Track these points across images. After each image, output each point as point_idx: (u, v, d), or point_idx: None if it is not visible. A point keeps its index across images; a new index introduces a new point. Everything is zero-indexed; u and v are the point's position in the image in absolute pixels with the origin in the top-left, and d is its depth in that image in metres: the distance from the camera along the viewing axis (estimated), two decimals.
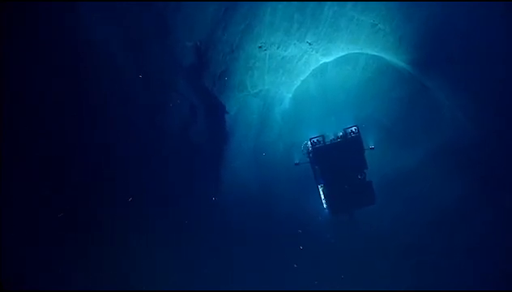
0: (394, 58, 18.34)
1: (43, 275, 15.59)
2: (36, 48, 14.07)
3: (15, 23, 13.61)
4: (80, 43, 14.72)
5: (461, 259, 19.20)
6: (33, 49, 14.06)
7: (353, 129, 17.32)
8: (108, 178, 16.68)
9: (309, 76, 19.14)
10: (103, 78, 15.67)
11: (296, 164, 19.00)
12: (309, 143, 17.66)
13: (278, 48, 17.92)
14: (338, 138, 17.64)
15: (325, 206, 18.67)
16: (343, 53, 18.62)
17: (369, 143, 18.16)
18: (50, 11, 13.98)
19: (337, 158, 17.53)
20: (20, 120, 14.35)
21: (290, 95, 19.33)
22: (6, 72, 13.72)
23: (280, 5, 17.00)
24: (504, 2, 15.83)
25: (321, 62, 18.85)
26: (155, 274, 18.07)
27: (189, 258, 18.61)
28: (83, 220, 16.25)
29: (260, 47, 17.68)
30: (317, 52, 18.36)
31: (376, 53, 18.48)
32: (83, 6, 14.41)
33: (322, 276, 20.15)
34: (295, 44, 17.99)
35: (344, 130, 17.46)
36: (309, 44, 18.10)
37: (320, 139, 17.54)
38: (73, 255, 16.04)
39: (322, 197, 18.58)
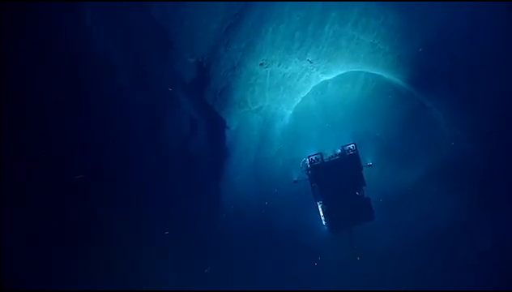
0: (393, 77, 18.69)
1: (43, 275, 15.76)
2: (37, 54, 14.50)
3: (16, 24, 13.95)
4: (84, 57, 15.29)
5: (462, 274, 19.15)
6: (35, 55, 14.39)
7: (351, 146, 17.57)
8: (108, 187, 16.98)
9: (309, 93, 19.48)
10: (105, 92, 16.18)
11: (295, 181, 19.24)
12: (308, 160, 17.90)
13: (279, 65, 18.34)
14: (336, 155, 17.89)
15: (324, 223, 18.84)
16: (342, 72, 18.99)
17: (368, 160, 18.33)
18: (54, 24, 14.57)
19: (335, 175, 17.76)
20: (21, 120, 14.72)
21: (290, 111, 19.62)
22: (6, 72, 13.99)
23: (282, 23, 17.54)
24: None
25: (321, 80, 19.21)
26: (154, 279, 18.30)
27: (188, 271, 18.72)
28: (82, 221, 16.50)
29: (261, 64, 18.11)
30: (317, 70, 18.73)
31: (375, 72, 18.85)
32: (88, 20, 15.03)
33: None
34: (296, 62, 18.41)
35: (342, 147, 17.73)
36: (310, 62, 18.48)
37: (318, 156, 17.79)
38: (73, 255, 16.22)
39: (321, 214, 18.74)
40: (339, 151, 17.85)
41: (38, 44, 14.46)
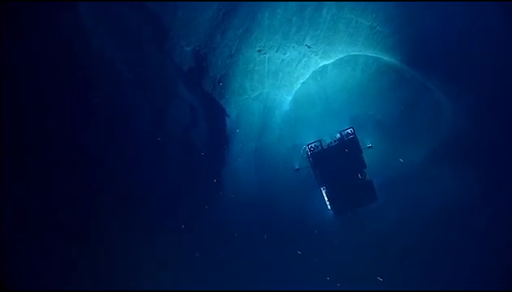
0: (394, 59, 18.51)
1: (43, 275, 15.97)
2: (35, 53, 14.51)
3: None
4: (79, 50, 15.21)
5: (463, 254, 19.37)
6: (33, 54, 14.45)
7: (349, 131, 17.83)
8: (110, 180, 17.20)
9: (309, 78, 19.28)
10: (103, 85, 16.18)
11: (297, 169, 19.50)
12: (307, 148, 18.11)
13: (277, 51, 18.25)
14: (335, 141, 18.13)
15: (329, 207, 19.10)
16: (342, 55, 18.78)
17: (368, 143, 18.56)
18: (50, 18, 14.45)
19: (336, 161, 18.01)
20: (20, 119, 14.83)
21: (290, 97, 19.48)
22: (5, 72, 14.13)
23: (279, 9, 17.38)
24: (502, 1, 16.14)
25: (320, 65, 19.00)
26: (155, 274, 18.41)
27: (189, 259, 18.89)
28: (83, 221, 16.73)
29: (259, 51, 18.06)
30: (316, 54, 18.59)
31: (375, 55, 18.64)
32: (82, 11, 14.88)
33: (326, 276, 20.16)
34: (294, 47, 18.30)
35: (340, 132, 17.94)
36: (308, 47, 18.34)
37: (317, 144, 18.08)
38: (73, 256, 16.46)
39: (326, 199, 19.01)
40: (338, 136, 18.06)
41: (34, 42, 14.50)
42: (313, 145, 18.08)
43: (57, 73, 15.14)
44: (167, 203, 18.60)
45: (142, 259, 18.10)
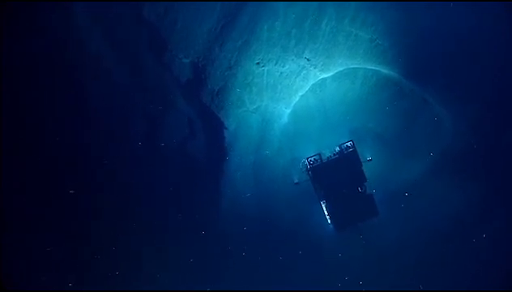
0: (393, 72, 18.19)
1: (43, 275, 16.10)
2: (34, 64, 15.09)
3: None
4: (79, 61, 15.76)
5: (464, 265, 18.73)
6: (33, 54, 14.89)
7: (349, 144, 17.49)
8: (109, 188, 17.36)
9: (308, 91, 19.19)
10: (100, 96, 16.54)
11: (296, 183, 19.19)
12: (307, 162, 17.86)
13: (276, 64, 18.29)
14: (335, 154, 17.81)
15: (329, 222, 18.70)
16: (341, 68, 18.64)
17: (367, 156, 18.19)
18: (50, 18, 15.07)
19: (336, 174, 17.65)
20: (20, 125, 15.21)
21: (289, 110, 19.38)
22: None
23: (278, 21, 17.51)
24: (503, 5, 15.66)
25: (319, 78, 18.90)
26: (155, 274, 18.41)
27: (187, 273, 18.75)
28: (83, 221, 16.88)
29: (258, 63, 18.14)
30: (315, 67, 18.51)
31: (374, 68, 18.38)
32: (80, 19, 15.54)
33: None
34: (293, 60, 18.31)
35: (340, 145, 17.60)
36: (308, 59, 18.31)
37: (317, 157, 17.81)
38: (73, 256, 16.58)
39: (326, 213, 18.60)
40: (338, 149, 17.75)
41: (34, 43, 14.91)
42: (312, 159, 17.86)
43: (55, 73, 15.62)
44: (167, 203, 18.62)
45: (142, 259, 18.08)
